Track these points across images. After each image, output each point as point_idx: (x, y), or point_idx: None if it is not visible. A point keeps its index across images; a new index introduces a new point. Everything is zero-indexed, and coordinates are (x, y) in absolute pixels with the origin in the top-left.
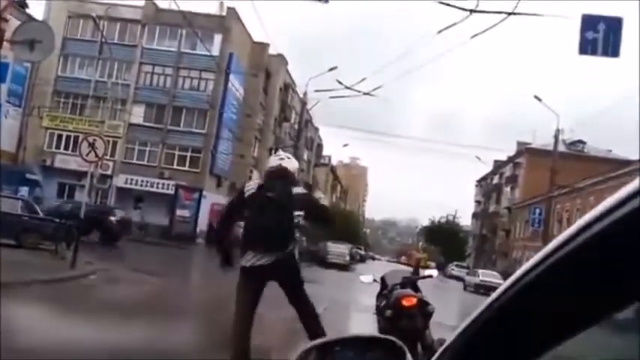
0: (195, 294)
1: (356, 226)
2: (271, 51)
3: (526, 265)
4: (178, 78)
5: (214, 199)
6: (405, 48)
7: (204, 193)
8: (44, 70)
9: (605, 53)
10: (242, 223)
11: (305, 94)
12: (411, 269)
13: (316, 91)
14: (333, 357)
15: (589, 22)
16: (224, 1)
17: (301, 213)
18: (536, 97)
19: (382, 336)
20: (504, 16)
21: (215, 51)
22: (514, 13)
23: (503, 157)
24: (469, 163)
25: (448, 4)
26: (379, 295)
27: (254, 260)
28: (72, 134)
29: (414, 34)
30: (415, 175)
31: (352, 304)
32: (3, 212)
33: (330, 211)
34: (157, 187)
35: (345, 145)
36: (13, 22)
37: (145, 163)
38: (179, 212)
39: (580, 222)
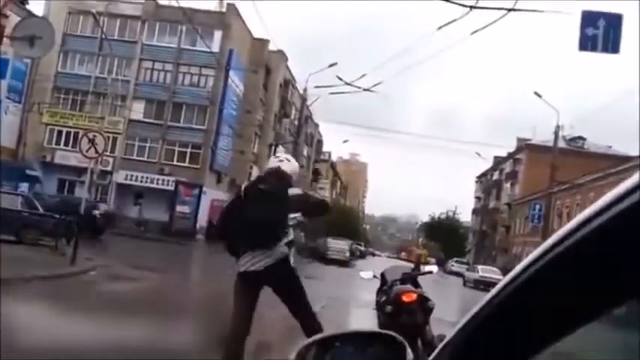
0: (195, 290)
1: (356, 222)
2: (271, 47)
3: (525, 261)
4: (178, 74)
5: (214, 195)
6: (405, 44)
7: (204, 189)
8: (44, 66)
9: (605, 49)
10: None
11: (305, 90)
12: (410, 265)
13: (316, 87)
14: (334, 352)
15: (589, 19)
16: None
17: (297, 215)
18: (536, 93)
19: (382, 331)
20: (504, 12)
21: (215, 47)
22: (514, 10)
23: (504, 154)
24: (469, 159)
25: (448, 1)
26: (379, 291)
27: (248, 265)
28: (72, 130)
29: (414, 31)
30: (415, 172)
31: (352, 299)
32: (3, 208)
33: (326, 202)
34: (157, 183)
35: (345, 142)
36: (13, 18)
37: (145, 159)
38: (179, 208)
39: (579, 217)
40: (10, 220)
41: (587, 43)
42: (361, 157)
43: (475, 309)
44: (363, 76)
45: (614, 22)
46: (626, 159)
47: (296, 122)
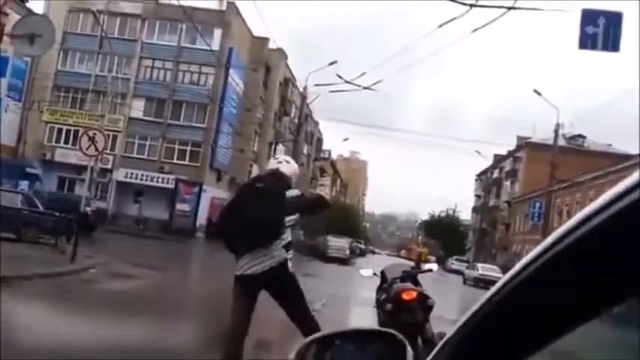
0: (194, 288)
1: (356, 220)
2: (271, 45)
3: (525, 259)
4: (178, 72)
5: (214, 193)
6: (405, 42)
7: (204, 187)
8: (44, 64)
9: (605, 48)
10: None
11: (305, 88)
12: (410, 263)
13: (316, 85)
14: (334, 350)
15: (589, 17)
16: None
17: (294, 217)
18: (536, 91)
19: (382, 329)
20: (504, 10)
21: (215, 45)
22: (514, 8)
23: (503, 152)
24: (469, 157)
25: None
26: (379, 289)
27: (245, 268)
28: (72, 128)
29: (414, 29)
30: (415, 170)
31: (352, 297)
32: (3, 206)
33: (322, 197)
34: (157, 181)
35: (345, 140)
36: (13, 17)
37: (145, 157)
38: (179, 206)
39: (579, 215)
40: (11, 218)
41: (587, 42)
42: (361, 155)
43: (475, 307)
44: (363, 74)
45: (614, 20)
46: (626, 157)
47: (296, 120)
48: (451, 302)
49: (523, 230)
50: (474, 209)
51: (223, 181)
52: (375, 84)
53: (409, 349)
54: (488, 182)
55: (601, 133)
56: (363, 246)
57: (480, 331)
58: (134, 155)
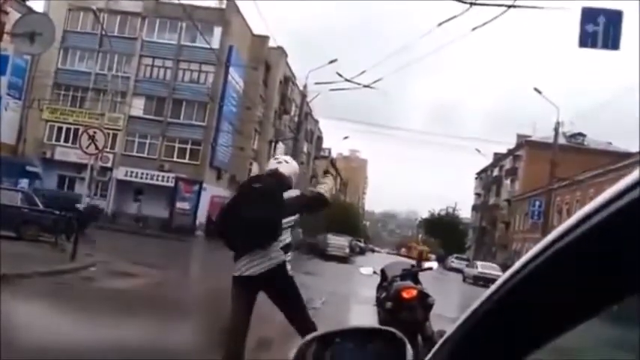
0: (194, 286)
1: (356, 218)
2: (271, 43)
3: (525, 257)
4: (178, 70)
5: (214, 191)
6: (405, 41)
7: (204, 185)
8: (44, 62)
9: (605, 46)
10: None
11: (305, 86)
12: (410, 261)
13: (316, 83)
14: (334, 348)
15: (589, 15)
16: None
17: (294, 218)
18: (536, 89)
19: (382, 327)
20: (505, 8)
21: (215, 44)
22: (514, 6)
23: (503, 150)
24: (469, 155)
25: None
26: (379, 287)
27: (243, 270)
28: (72, 127)
29: (414, 27)
30: (415, 168)
31: (352, 295)
32: (3, 204)
33: (322, 194)
34: (157, 180)
35: (345, 138)
36: (14, 15)
37: (145, 155)
38: (179, 205)
39: (579, 214)
40: (10, 216)
41: (587, 40)
42: (361, 153)
43: (475, 305)
44: (363, 72)
45: (614, 18)
46: (626, 155)
47: (296, 119)
48: (451, 300)
49: (523, 229)
50: (474, 207)
51: (223, 179)
52: (375, 82)
53: (409, 347)
54: (488, 180)
55: (601, 131)
56: (362, 244)
57: (480, 329)
58: (134, 154)
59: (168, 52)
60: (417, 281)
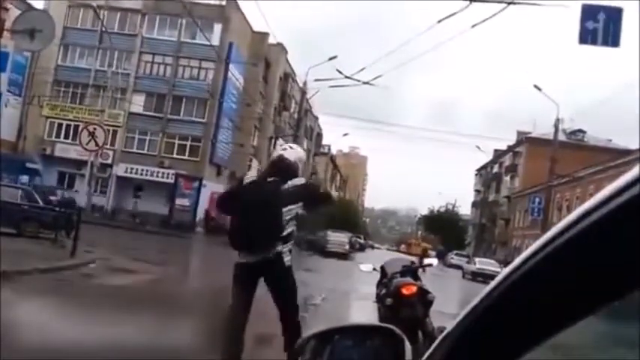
0: (194, 282)
1: (355, 215)
2: (271, 40)
3: (525, 254)
4: (178, 67)
5: (214, 188)
6: (405, 37)
7: (204, 182)
8: (44, 59)
9: (605, 43)
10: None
11: (305, 83)
12: (410, 258)
13: (316, 80)
14: (333, 346)
15: (589, 12)
16: None
17: (297, 206)
18: (536, 86)
19: (381, 325)
20: (504, 5)
21: (215, 40)
22: (514, 3)
23: (503, 147)
24: (469, 152)
25: None
26: (379, 284)
27: (241, 257)
28: (72, 123)
29: (414, 24)
30: (415, 165)
31: (352, 292)
32: (3, 201)
33: (328, 194)
34: (157, 176)
35: (345, 135)
36: (14, 12)
37: (145, 152)
38: (179, 201)
39: (579, 210)
40: (10, 212)
41: (587, 37)
42: (361, 150)
43: (475, 301)
44: (363, 69)
45: (614, 15)
46: (626, 152)
47: (296, 115)
48: (451, 297)
49: (523, 225)
50: (474, 204)
51: (223, 175)
52: (374, 79)
53: (407, 344)
54: (487, 177)
55: (601, 128)
56: (362, 241)
57: (479, 325)
58: (134, 150)
59: (169, 49)
60: (416, 278)
